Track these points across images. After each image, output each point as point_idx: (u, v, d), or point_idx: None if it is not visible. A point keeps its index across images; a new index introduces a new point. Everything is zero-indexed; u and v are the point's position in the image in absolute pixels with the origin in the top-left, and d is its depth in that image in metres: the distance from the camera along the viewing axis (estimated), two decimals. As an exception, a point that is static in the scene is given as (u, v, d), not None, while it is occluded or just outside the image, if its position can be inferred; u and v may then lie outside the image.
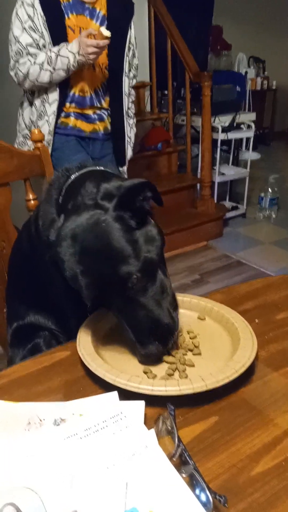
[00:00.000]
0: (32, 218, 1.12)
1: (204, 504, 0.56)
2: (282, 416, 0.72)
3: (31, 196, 1.45)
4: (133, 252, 0.81)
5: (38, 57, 2.11)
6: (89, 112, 2.30)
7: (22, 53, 2.13)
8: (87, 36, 2.02)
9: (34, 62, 2.12)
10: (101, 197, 0.84)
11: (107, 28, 2.12)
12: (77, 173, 0.98)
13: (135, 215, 0.83)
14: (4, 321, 1.27)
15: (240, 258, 3.55)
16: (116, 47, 2.26)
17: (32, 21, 2.09)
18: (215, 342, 0.90)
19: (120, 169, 2.49)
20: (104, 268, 0.80)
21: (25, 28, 2.10)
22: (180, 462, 0.62)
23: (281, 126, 8.37)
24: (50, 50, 2.11)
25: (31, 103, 2.29)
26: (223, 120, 4.11)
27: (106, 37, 2.02)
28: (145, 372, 0.81)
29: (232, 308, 0.97)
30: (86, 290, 0.82)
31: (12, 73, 2.21)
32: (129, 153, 2.53)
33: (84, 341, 0.86)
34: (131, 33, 2.33)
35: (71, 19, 2.14)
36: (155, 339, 0.83)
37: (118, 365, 0.82)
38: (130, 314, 0.84)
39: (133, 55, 2.40)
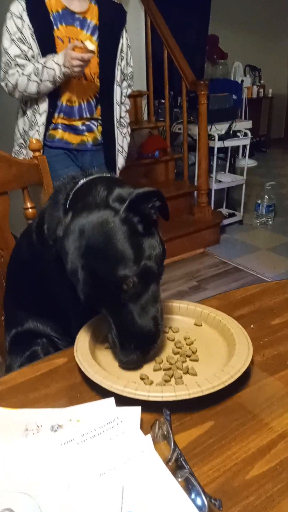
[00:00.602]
0: (34, 225, 1.13)
1: (200, 508, 0.56)
2: (277, 420, 0.73)
3: (29, 205, 1.46)
4: (134, 257, 0.82)
5: (26, 68, 2.14)
6: (78, 123, 2.30)
7: (11, 64, 2.16)
8: (73, 49, 2.04)
9: (22, 73, 2.14)
10: (112, 199, 0.86)
11: (99, 37, 2.17)
12: (85, 179, 1.00)
13: (143, 221, 0.86)
14: (3, 328, 1.28)
15: (237, 265, 3.56)
16: (108, 56, 2.27)
17: (21, 32, 2.11)
18: (211, 348, 0.91)
19: None
20: (104, 266, 0.82)
21: (13, 40, 2.13)
22: (176, 466, 0.63)
23: (277, 133, 8.43)
24: (37, 61, 2.14)
25: (24, 113, 2.31)
26: (220, 128, 4.14)
27: (91, 51, 2.04)
28: (141, 379, 0.82)
29: (228, 313, 0.98)
30: (83, 285, 0.84)
31: (2, 84, 2.24)
32: (120, 162, 2.51)
33: (81, 347, 0.87)
34: (123, 42, 2.34)
35: (60, 30, 2.16)
36: (137, 346, 0.84)
37: (115, 371, 0.83)
38: (119, 317, 0.85)
39: (127, 64, 2.41)
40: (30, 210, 1.47)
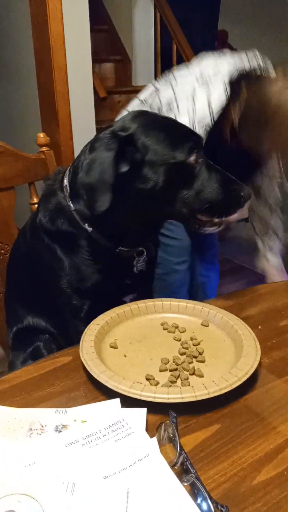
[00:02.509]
0: (28, 222, 1.13)
1: (206, 514, 0.55)
2: (285, 424, 0.72)
3: (35, 200, 1.45)
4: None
5: None
6: None
7: None
8: None
9: None
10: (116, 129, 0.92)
11: None
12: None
13: None
14: (5, 324, 1.27)
15: (242, 263, 3.54)
16: None
17: None
18: (218, 348, 0.89)
19: None
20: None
21: None
22: (182, 470, 0.62)
23: (285, 130, 8.36)
24: None
25: None
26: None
27: None
28: (147, 379, 0.81)
29: (235, 314, 0.97)
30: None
31: None
32: None
33: (86, 347, 0.86)
34: None
35: None
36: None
37: (121, 372, 0.81)
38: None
39: None
40: (36, 205, 1.45)
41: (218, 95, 1.16)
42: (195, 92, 1.18)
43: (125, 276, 1.07)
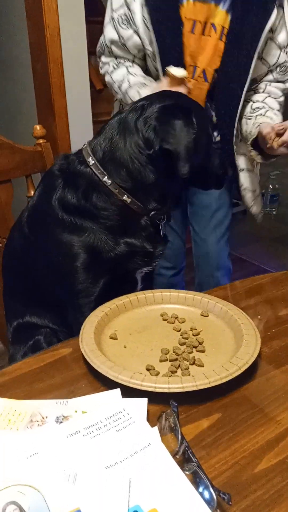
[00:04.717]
0: (25, 215, 1.14)
1: (208, 502, 0.56)
2: (285, 413, 0.72)
3: (32, 193, 1.44)
4: None
5: (115, 72, 1.44)
6: None
7: (104, 50, 1.46)
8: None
9: (111, 72, 1.46)
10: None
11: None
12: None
13: None
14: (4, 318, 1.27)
15: (241, 255, 3.54)
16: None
17: (128, 8, 1.35)
18: (218, 338, 0.90)
19: None
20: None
21: (113, 19, 1.39)
22: (183, 459, 0.62)
23: (282, 122, 8.34)
24: (128, 72, 1.41)
25: None
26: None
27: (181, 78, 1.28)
28: (148, 369, 0.81)
29: (235, 304, 0.97)
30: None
31: (101, 72, 1.55)
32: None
33: (86, 338, 0.86)
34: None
35: (186, 7, 1.34)
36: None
37: (121, 362, 0.81)
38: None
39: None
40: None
41: None
42: None
43: (148, 242, 1.10)
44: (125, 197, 1.03)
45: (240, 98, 1.39)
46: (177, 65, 1.28)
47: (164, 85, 1.28)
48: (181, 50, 1.36)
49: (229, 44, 1.35)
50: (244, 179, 1.60)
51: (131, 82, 1.39)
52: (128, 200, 1.03)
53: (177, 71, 1.26)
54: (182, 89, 1.24)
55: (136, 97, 1.31)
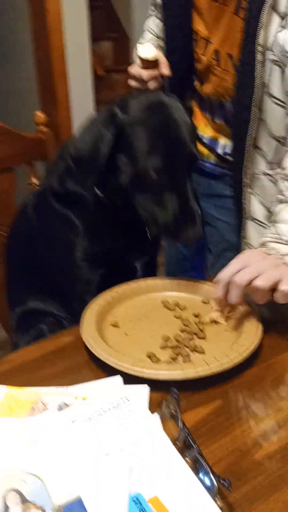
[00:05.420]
0: (30, 203, 1.13)
1: (208, 488, 0.56)
2: (286, 400, 0.72)
3: (34, 181, 1.44)
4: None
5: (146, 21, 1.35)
6: None
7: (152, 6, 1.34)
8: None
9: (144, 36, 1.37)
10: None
11: None
12: None
13: None
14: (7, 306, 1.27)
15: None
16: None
17: None
18: (219, 325, 0.89)
19: None
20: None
21: None
22: (184, 446, 0.62)
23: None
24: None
25: None
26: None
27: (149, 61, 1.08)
28: (148, 356, 0.81)
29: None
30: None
31: None
32: None
33: (87, 325, 0.86)
34: None
35: None
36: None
37: (122, 350, 0.81)
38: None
39: None
40: (35, 186, 1.44)
41: None
42: None
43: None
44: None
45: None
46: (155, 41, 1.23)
47: (137, 67, 1.13)
48: (190, 9, 1.13)
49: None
50: (252, 231, 1.20)
51: (145, 38, 1.33)
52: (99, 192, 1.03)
53: (145, 51, 1.06)
54: (155, 73, 1.09)
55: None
